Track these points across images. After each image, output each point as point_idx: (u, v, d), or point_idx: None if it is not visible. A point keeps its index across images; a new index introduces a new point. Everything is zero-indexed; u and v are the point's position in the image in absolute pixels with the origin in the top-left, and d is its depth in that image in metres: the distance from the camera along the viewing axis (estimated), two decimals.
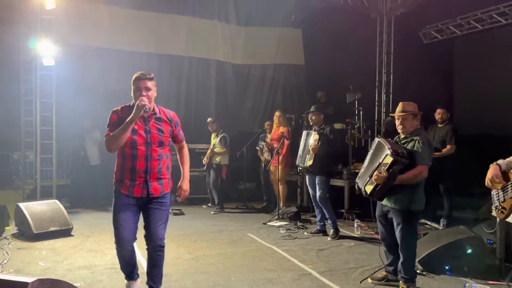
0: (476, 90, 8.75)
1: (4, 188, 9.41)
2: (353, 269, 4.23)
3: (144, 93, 3.09)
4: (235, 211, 7.55)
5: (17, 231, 5.43)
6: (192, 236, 5.61)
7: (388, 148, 3.37)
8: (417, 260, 3.84)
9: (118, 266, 3.36)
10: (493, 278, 3.89)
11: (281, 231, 5.85)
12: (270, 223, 6.38)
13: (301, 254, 4.77)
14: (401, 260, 3.57)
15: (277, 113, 7.31)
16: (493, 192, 3.07)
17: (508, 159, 3.00)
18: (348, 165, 7.15)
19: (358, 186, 3.77)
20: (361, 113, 8.66)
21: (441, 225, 5.80)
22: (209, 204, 7.91)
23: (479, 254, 4.07)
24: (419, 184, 3.48)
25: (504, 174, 2.96)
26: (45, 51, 6.95)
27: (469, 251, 4.02)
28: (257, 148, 7.80)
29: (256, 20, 9.66)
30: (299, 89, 10.11)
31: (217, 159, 7.62)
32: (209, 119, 7.78)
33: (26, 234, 5.23)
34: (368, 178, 3.56)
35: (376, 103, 9.58)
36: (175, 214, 6.95)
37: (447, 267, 4.04)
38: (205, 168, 7.80)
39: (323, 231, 5.71)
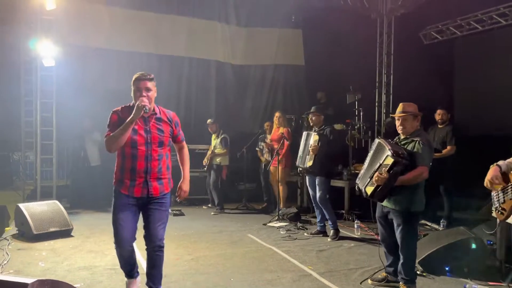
0: (476, 90, 8.74)
1: (4, 188, 9.41)
2: (353, 270, 4.22)
3: (144, 94, 3.10)
4: (235, 212, 7.55)
5: (17, 231, 5.42)
6: (192, 237, 5.61)
7: (389, 149, 3.37)
8: (417, 261, 3.84)
9: (118, 267, 3.36)
10: (493, 279, 3.89)
11: (281, 232, 5.85)
12: (270, 224, 6.38)
13: (301, 255, 4.77)
14: (401, 261, 3.57)
15: (277, 114, 7.32)
16: (493, 194, 3.07)
17: (508, 160, 3.00)
18: (348, 165, 7.15)
19: (358, 187, 3.77)
20: (361, 113, 8.65)
21: (441, 226, 5.79)
22: (209, 205, 7.90)
23: (479, 255, 4.07)
24: (419, 185, 3.48)
25: (504, 175, 2.96)
26: (46, 51, 6.95)
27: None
28: (256, 149, 7.80)
29: (256, 21, 9.66)
30: (299, 90, 10.11)
31: (218, 160, 7.62)
32: (208, 121, 7.77)
33: (26, 234, 5.23)
34: (369, 179, 3.55)
35: (376, 104, 9.58)
36: (175, 214, 6.95)
37: (447, 268, 4.03)
38: (205, 169, 7.80)
39: (323, 232, 5.71)
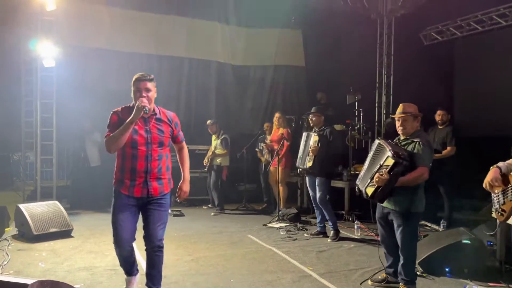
0: (477, 91, 8.74)
1: (4, 189, 9.41)
2: (353, 271, 4.22)
3: (144, 94, 3.11)
4: (235, 213, 7.55)
5: (17, 232, 5.42)
6: (192, 237, 5.61)
7: (389, 150, 3.37)
8: (417, 262, 3.84)
9: (118, 267, 3.37)
10: (493, 280, 3.89)
11: (281, 233, 5.85)
12: (270, 225, 6.38)
13: (301, 255, 4.77)
14: (401, 262, 3.57)
15: (276, 115, 7.32)
16: (493, 195, 3.07)
17: (508, 161, 3.00)
18: (348, 166, 7.15)
19: (358, 188, 3.77)
20: (361, 114, 8.65)
21: (441, 226, 5.79)
22: (209, 205, 7.91)
23: (479, 256, 4.07)
24: (419, 185, 3.48)
25: (504, 176, 2.96)
26: (46, 52, 6.95)
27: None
28: (256, 149, 7.80)
29: (256, 22, 9.66)
30: (299, 91, 10.11)
31: (218, 160, 7.62)
32: (208, 121, 7.78)
33: (26, 235, 5.22)
34: (369, 180, 3.55)
35: (376, 105, 9.58)
36: (175, 215, 6.95)
37: (447, 269, 4.03)
38: (206, 169, 7.80)
39: (323, 233, 5.70)
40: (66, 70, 7.37)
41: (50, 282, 2.22)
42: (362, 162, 4.30)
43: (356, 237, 5.64)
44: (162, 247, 3.23)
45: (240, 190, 8.38)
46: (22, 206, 5.36)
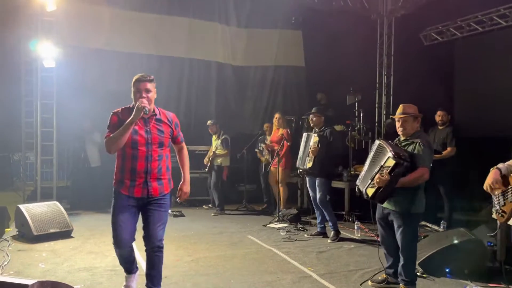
0: (477, 92, 8.73)
1: (4, 189, 9.41)
2: (353, 272, 4.22)
3: (144, 95, 3.12)
4: (235, 213, 7.54)
5: (17, 232, 5.42)
6: (192, 238, 5.61)
7: (390, 151, 3.37)
8: (417, 262, 3.84)
9: (119, 268, 3.37)
10: (493, 280, 3.89)
11: (281, 233, 5.85)
12: (270, 225, 6.37)
13: (301, 256, 4.77)
14: (401, 262, 3.57)
15: (276, 115, 7.32)
16: (494, 196, 3.07)
17: (508, 162, 2.99)
18: (348, 167, 7.15)
19: (358, 189, 3.76)
20: (361, 115, 8.64)
21: (442, 227, 5.79)
22: (210, 205, 7.90)
23: (479, 257, 4.07)
24: (419, 186, 3.48)
25: (504, 178, 2.95)
26: (46, 52, 6.95)
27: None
28: (256, 150, 7.79)
29: (257, 22, 9.66)
30: (299, 91, 10.10)
31: (219, 160, 7.61)
32: (209, 122, 7.78)
33: (26, 235, 5.23)
34: (370, 181, 3.55)
35: (377, 105, 9.58)
36: (175, 216, 6.95)
37: (447, 270, 4.03)
38: (206, 170, 7.80)
39: (323, 233, 5.70)
40: (66, 70, 7.37)
41: (50, 283, 2.22)
42: (362, 162, 4.30)
43: (356, 237, 5.64)
44: (162, 247, 3.23)
45: (240, 191, 8.37)
46: (22, 207, 5.36)
